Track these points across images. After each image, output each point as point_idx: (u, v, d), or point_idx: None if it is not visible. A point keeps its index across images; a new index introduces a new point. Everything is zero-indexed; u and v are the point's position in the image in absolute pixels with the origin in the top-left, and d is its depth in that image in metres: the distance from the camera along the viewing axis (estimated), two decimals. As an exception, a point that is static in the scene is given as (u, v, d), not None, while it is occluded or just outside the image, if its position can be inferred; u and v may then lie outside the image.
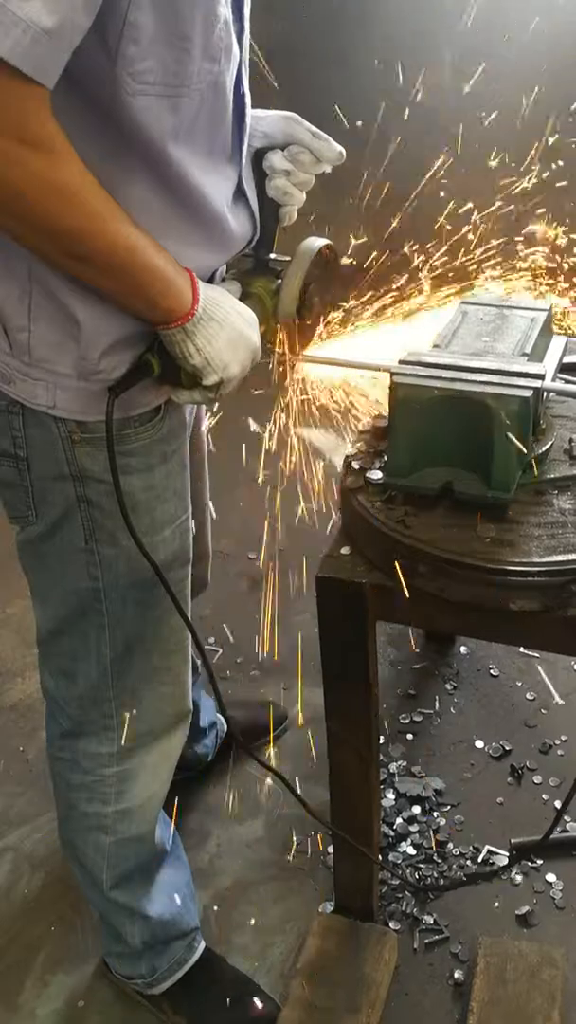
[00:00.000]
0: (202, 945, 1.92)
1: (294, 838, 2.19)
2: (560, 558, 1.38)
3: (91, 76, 1.13)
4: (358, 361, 1.57)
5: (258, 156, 1.43)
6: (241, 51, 1.28)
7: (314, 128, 1.43)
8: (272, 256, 1.48)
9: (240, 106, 1.32)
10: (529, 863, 2.11)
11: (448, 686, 2.55)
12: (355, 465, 1.56)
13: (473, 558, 1.38)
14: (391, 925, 2.00)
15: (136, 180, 1.22)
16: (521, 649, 2.58)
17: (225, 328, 1.30)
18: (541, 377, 1.44)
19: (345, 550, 1.53)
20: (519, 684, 2.54)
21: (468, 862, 2.12)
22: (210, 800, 2.29)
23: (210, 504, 1.86)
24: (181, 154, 1.23)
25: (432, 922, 2.02)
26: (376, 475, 1.52)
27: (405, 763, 2.34)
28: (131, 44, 1.11)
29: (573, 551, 1.38)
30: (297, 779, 2.05)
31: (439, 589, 1.41)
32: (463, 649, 2.66)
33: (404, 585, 1.43)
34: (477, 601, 1.40)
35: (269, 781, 1.81)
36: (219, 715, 2.28)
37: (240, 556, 2.94)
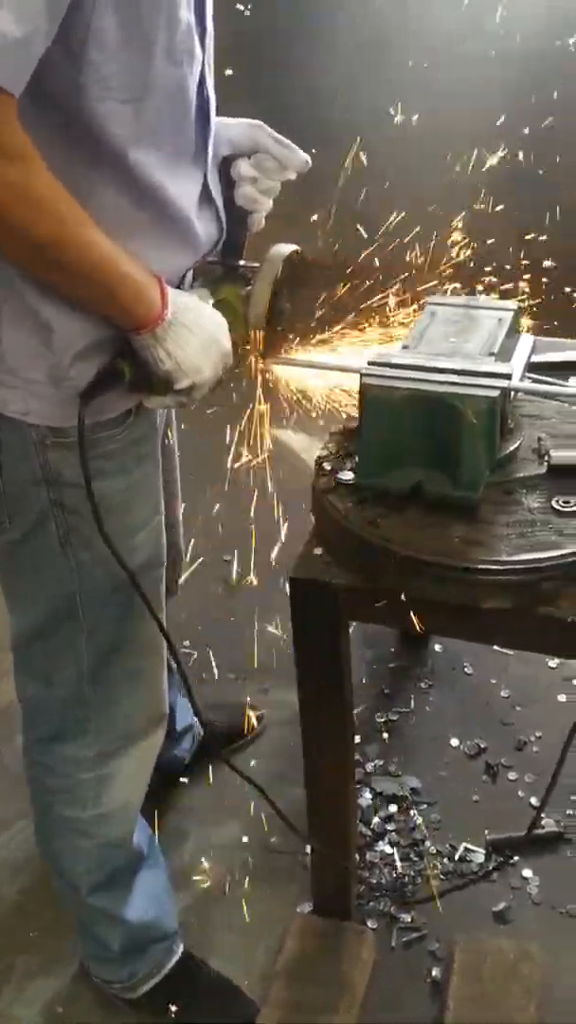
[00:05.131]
0: (181, 948, 1.92)
1: (272, 839, 2.20)
2: (529, 556, 1.39)
3: (55, 83, 1.13)
4: (328, 363, 1.58)
5: (225, 164, 1.44)
6: (204, 53, 1.29)
7: (278, 136, 1.45)
8: (242, 263, 1.49)
9: (204, 108, 1.33)
10: (506, 860, 2.13)
11: (423, 684, 2.56)
12: (326, 466, 1.57)
13: (444, 557, 1.39)
14: (369, 924, 2.01)
15: (101, 184, 1.23)
16: (495, 647, 2.59)
17: (196, 333, 1.31)
18: (508, 377, 1.46)
19: (318, 551, 1.54)
20: (493, 682, 2.55)
21: (445, 860, 2.14)
22: (188, 802, 2.29)
23: (181, 506, 1.86)
24: (145, 157, 1.24)
25: (409, 920, 2.03)
26: (347, 476, 1.53)
27: (381, 762, 2.35)
28: (95, 50, 1.12)
29: (542, 549, 1.39)
30: (274, 780, 2.05)
31: (411, 589, 1.42)
32: (438, 647, 2.67)
33: (376, 587, 1.44)
34: (449, 600, 1.41)
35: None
36: (195, 718, 2.28)
37: (215, 558, 2.93)
